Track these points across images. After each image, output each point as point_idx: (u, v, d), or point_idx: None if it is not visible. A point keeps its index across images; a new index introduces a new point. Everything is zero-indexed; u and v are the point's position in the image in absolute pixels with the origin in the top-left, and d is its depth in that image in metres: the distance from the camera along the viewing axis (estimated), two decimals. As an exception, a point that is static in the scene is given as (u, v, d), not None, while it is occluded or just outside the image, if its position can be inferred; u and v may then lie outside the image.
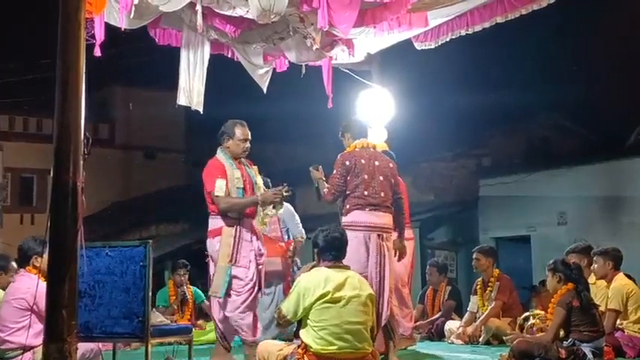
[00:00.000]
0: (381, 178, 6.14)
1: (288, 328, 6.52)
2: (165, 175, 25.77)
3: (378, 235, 6.01)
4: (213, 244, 6.10)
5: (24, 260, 5.69)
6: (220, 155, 6.25)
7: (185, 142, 27.37)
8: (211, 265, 6.12)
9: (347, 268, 5.19)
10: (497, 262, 8.81)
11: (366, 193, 6.03)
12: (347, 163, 6.10)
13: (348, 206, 6.05)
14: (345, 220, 6.05)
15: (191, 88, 7.51)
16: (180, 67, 7.51)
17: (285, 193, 6.15)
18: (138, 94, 26.57)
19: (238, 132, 6.26)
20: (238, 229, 6.09)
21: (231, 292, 5.99)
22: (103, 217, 23.29)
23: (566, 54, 15.94)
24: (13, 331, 5.48)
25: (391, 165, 6.33)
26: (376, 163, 6.19)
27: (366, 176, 6.06)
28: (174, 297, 9.25)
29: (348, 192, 6.06)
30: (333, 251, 5.14)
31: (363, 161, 6.11)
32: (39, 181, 25.18)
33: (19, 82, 22.21)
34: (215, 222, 6.12)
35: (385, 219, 6.11)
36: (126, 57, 17.48)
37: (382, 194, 6.10)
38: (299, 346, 4.96)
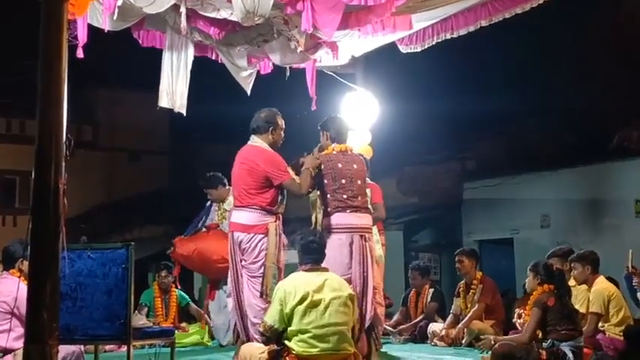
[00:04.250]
0: (359, 182, 6.17)
1: None
2: (149, 177, 25.68)
3: (361, 236, 6.05)
4: (254, 240, 5.92)
5: (9, 263, 5.63)
6: (265, 145, 6.13)
7: (169, 144, 27.28)
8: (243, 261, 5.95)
9: (325, 270, 5.21)
10: (479, 264, 8.84)
11: (345, 196, 6.05)
12: (322, 166, 6.11)
13: (329, 209, 6.06)
14: (327, 222, 6.06)
15: (174, 91, 7.50)
16: (162, 69, 7.50)
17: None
18: (121, 96, 26.45)
19: (281, 122, 6.25)
20: (279, 227, 6.03)
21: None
22: (86, 219, 23.17)
23: (549, 58, 16.02)
24: (-7, 333, 5.44)
25: (365, 169, 6.37)
26: (354, 166, 6.21)
27: (343, 181, 6.08)
28: (159, 299, 9.23)
29: (328, 195, 6.07)
30: (310, 254, 5.15)
31: (340, 165, 6.12)
32: (21, 183, 24.98)
33: (2, 84, 22.08)
34: (257, 217, 5.94)
35: (366, 219, 6.15)
36: (109, 59, 17.41)
37: (360, 197, 6.14)
38: (281, 349, 4.97)
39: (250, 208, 5.96)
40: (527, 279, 6.35)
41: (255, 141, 6.17)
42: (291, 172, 6.16)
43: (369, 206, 6.30)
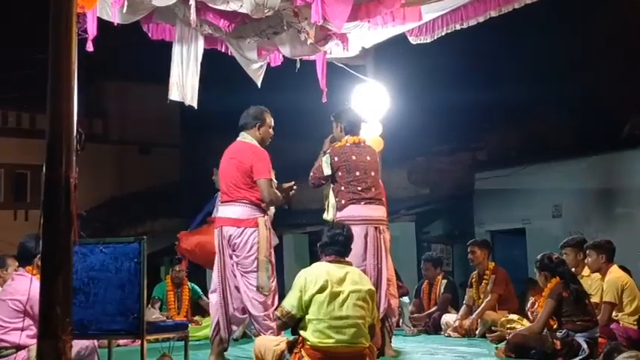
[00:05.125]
0: (373, 173, 6.19)
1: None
2: (161, 170, 25.70)
3: (375, 228, 6.09)
4: (245, 234, 5.93)
5: (25, 259, 5.61)
6: (254, 141, 6.14)
7: (180, 137, 27.29)
8: (234, 256, 5.97)
9: (348, 264, 5.20)
10: (492, 254, 8.82)
11: (359, 188, 6.07)
12: (335, 158, 6.12)
13: (343, 201, 6.07)
14: (341, 214, 6.07)
15: (184, 84, 7.48)
16: (172, 62, 7.49)
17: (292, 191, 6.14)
18: (132, 89, 26.48)
19: (269, 119, 6.24)
20: (269, 222, 6.07)
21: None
22: (98, 212, 23.24)
23: (561, 48, 15.92)
24: (7, 330, 5.45)
25: (378, 160, 6.37)
26: (368, 158, 6.23)
27: (357, 173, 6.11)
28: (172, 292, 9.26)
29: (342, 187, 6.08)
30: (334, 246, 5.14)
31: (354, 157, 6.14)
32: (33, 177, 25.06)
33: (12, 78, 22.14)
34: (247, 211, 5.95)
35: (380, 212, 6.17)
36: (119, 52, 17.43)
37: (373, 189, 6.15)
38: (296, 340, 4.96)
39: (240, 203, 5.96)
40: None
41: (245, 137, 6.18)
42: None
43: (382, 198, 6.30)
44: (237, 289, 5.99)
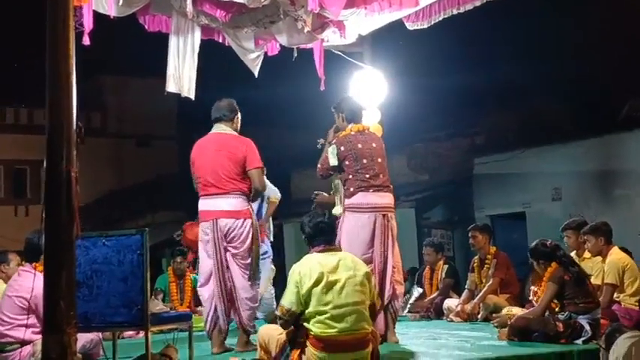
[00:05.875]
0: (380, 159, 6.20)
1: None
2: (159, 162, 25.71)
3: (383, 216, 6.11)
4: (244, 226, 6.03)
5: (33, 255, 5.61)
6: (234, 132, 6.24)
7: (178, 129, 27.28)
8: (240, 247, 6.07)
9: (338, 250, 5.21)
10: (493, 239, 8.83)
11: (367, 175, 6.09)
12: (342, 148, 6.13)
13: (351, 189, 6.09)
14: (349, 202, 6.10)
15: (181, 75, 7.48)
16: (169, 54, 7.48)
17: None
18: (129, 83, 26.46)
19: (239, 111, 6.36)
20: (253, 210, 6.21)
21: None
22: (98, 206, 23.26)
23: (558, 30, 15.89)
24: (13, 326, 5.46)
25: (383, 146, 6.38)
26: (373, 144, 6.23)
27: (364, 160, 6.11)
28: (174, 283, 9.28)
29: (350, 176, 6.10)
30: (321, 236, 5.14)
31: (360, 145, 6.14)
32: (32, 173, 25.08)
33: (9, 73, 22.10)
34: (241, 202, 6.04)
35: (388, 199, 6.19)
36: (116, 45, 17.39)
37: (381, 175, 6.16)
38: (297, 331, 4.98)
39: (234, 194, 6.02)
40: None
41: (224, 129, 6.22)
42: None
43: (390, 184, 6.32)
44: (232, 279, 6.06)
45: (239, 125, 6.33)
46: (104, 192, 24.34)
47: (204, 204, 6.14)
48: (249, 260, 6.07)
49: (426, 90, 16.10)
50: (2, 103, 25.08)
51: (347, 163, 6.11)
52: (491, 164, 14.93)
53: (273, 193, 8.41)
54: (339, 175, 6.28)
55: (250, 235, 6.05)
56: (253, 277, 6.11)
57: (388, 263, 6.08)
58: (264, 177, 6.38)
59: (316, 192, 6.91)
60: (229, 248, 6.05)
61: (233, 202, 6.02)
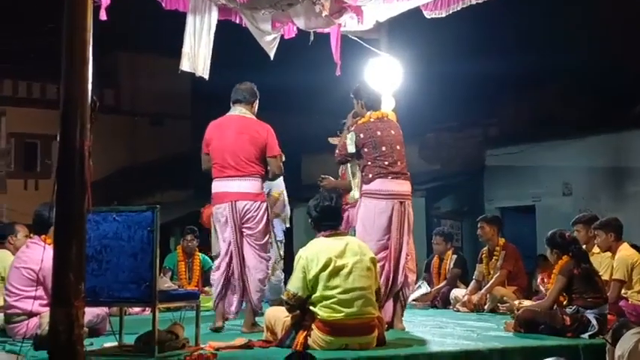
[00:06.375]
0: (398, 147, 6.21)
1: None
2: (172, 141, 25.70)
3: (401, 203, 6.12)
4: (261, 208, 6.15)
5: (42, 228, 5.63)
6: (253, 117, 6.32)
7: (191, 108, 27.24)
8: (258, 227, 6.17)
9: (344, 234, 5.23)
10: (501, 231, 8.81)
11: (386, 163, 6.10)
12: (361, 135, 6.12)
13: (370, 175, 6.10)
14: (367, 187, 6.12)
15: (196, 54, 7.46)
16: (185, 32, 7.45)
17: None
18: (144, 60, 26.43)
19: None
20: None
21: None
22: (108, 183, 23.29)
23: (575, 22, 15.77)
24: (20, 297, 5.50)
25: (401, 133, 6.37)
26: (392, 132, 6.23)
27: (384, 148, 6.12)
28: (183, 262, 9.31)
29: (368, 163, 6.10)
30: (328, 220, 5.16)
31: (379, 133, 6.14)
32: (43, 147, 25.14)
33: (23, 47, 22.12)
34: (258, 185, 6.16)
35: (405, 186, 6.20)
36: (131, 22, 17.37)
37: (399, 163, 6.18)
38: (303, 315, 4.99)
39: (253, 177, 6.11)
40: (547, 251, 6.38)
41: (244, 112, 6.28)
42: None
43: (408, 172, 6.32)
44: (245, 260, 6.13)
45: (256, 110, 6.37)
46: (114, 169, 24.36)
47: (220, 185, 6.16)
48: (263, 241, 6.18)
49: (440, 79, 16.02)
50: (16, 76, 25.11)
51: (366, 150, 6.11)
52: (503, 156, 14.88)
53: (276, 187, 8.26)
54: (357, 162, 6.29)
55: (265, 217, 6.16)
56: (266, 258, 6.20)
57: (403, 251, 6.11)
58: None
59: (323, 176, 6.94)
60: (244, 229, 6.12)
61: (251, 185, 6.09)
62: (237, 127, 6.18)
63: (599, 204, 12.26)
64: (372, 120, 6.23)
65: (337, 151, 6.33)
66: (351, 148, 6.15)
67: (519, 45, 16.35)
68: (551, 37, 16.24)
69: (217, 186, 6.17)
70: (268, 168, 6.22)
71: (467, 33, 15.56)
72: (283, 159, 6.33)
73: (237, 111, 6.27)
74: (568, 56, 15.16)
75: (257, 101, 6.38)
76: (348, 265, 4.97)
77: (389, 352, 5.04)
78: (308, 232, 8.61)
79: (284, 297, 5.12)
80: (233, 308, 6.21)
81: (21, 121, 24.76)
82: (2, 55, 22.33)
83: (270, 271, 6.57)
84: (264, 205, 6.18)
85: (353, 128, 6.27)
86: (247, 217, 6.08)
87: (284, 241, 8.50)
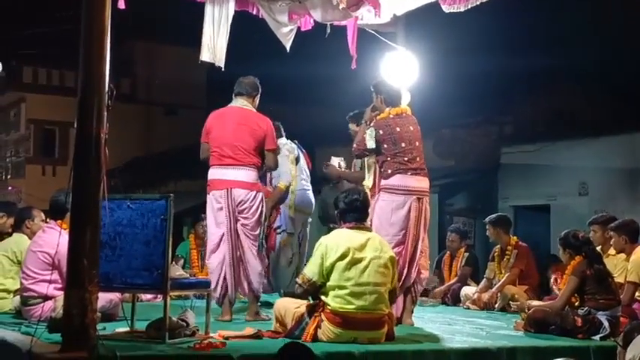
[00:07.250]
0: (417, 143, 6.23)
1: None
2: (186, 131, 25.75)
3: (418, 199, 6.12)
4: (256, 198, 6.18)
5: (58, 212, 5.69)
6: (254, 109, 6.35)
7: (206, 99, 27.29)
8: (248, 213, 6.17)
9: (368, 229, 5.23)
10: (510, 230, 8.76)
11: (405, 159, 6.11)
12: (380, 132, 6.12)
13: (389, 170, 6.11)
14: (386, 182, 6.12)
15: (215, 45, 7.49)
16: (204, 23, 7.47)
17: None
18: (160, 50, 26.50)
19: None
20: None
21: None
22: (122, 172, 23.38)
23: (595, 19, 15.66)
24: (36, 280, 5.57)
25: (419, 129, 6.38)
26: (411, 128, 6.24)
27: (403, 144, 6.13)
28: (195, 250, 9.35)
29: (388, 158, 6.11)
30: (353, 213, 5.19)
31: (398, 129, 6.15)
32: (61, 134, 25.33)
33: (43, 35, 22.22)
34: (255, 175, 6.20)
35: (424, 183, 6.22)
36: (148, 12, 17.41)
37: (418, 159, 6.19)
38: (317, 304, 5.00)
39: (250, 167, 6.16)
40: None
41: (246, 105, 6.33)
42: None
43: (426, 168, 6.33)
44: (242, 248, 6.15)
45: (257, 104, 6.42)
46: (128, 158, 24.46)
47: (217, 173, 6.22)
48: (257, 232, 6.21)
49: (456, 75, 15.95)
50: (35, 64, 25.26)
51: (385, 146, 6.12)
52: (519, 154, 14.80)
53: (283, 178, 8.02)
54: (375, 157, 6.29)
55: (261, 208, 6.20)
56: (260, 248, 6.25)
57: (418, 247, 6.12)
58: (278, 157, 6.54)
59: (327, 162, 6.94)
60: (239, 218, 6.15)
61: (247, 174, 6.15)
62: (238, 118, 6.25)
63: (616, 205, 12.17)
64: (391, 116, 6.23)
65: (355, 145, 6.33)
66: (371, 144, 6.15)
67: (537, 42, 16.27)
68: (570, 35, 16.13)
69: (214, 173, 6.24)
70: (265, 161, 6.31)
71: (484, 29, 15.48)
72: (279, 153, 6.47)
73: (239, 103, 6.34)
74: (587, 55, 15.06)
75: (259, 95, 6.43)
76: (366, 259, 5.00)
77: (397, 348, 5.05)
78: (319, 223, 8.63)
79: (299, 280, 5.16)
80: (242, 289, 6.26)
81: (40, 108, 24.95)
82: (23, 43, 22.46)
83: (266, 260, 6.64)
84: (260, 195, 6.23)
85: (372, 124, 6.26)
86: (243, 206, 6.12)
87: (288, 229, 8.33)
